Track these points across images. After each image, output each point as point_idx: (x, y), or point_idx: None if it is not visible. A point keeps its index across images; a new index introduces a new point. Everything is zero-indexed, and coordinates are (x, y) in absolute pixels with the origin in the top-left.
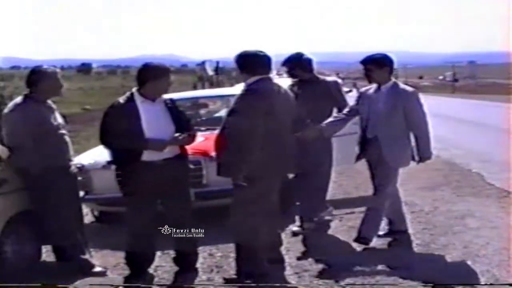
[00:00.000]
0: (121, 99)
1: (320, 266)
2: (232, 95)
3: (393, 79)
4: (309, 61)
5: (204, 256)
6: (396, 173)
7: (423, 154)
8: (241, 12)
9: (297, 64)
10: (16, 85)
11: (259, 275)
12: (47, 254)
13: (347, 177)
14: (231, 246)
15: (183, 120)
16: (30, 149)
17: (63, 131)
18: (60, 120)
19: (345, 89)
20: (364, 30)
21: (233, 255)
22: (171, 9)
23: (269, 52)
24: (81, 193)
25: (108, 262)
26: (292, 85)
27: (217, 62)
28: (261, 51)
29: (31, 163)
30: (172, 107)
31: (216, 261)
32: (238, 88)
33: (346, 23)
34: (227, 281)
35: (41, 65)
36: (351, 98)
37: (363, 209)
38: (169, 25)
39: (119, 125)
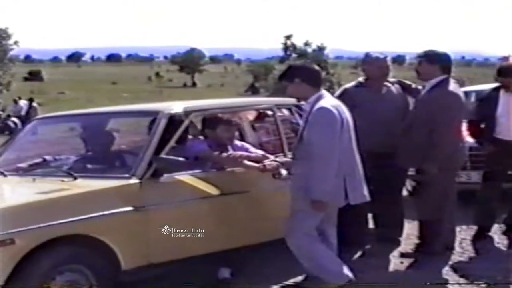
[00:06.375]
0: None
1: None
2: None
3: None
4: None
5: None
6: (308, 217)
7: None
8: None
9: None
10: (339, 73)
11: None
12: None
13: None
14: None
15: None
16: None
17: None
18: (390, 108)
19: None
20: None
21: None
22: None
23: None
24: None
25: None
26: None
27: None
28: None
29: None
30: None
31: (463, 237)
32: None
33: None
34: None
35: (375, 52)
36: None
37: None
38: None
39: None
